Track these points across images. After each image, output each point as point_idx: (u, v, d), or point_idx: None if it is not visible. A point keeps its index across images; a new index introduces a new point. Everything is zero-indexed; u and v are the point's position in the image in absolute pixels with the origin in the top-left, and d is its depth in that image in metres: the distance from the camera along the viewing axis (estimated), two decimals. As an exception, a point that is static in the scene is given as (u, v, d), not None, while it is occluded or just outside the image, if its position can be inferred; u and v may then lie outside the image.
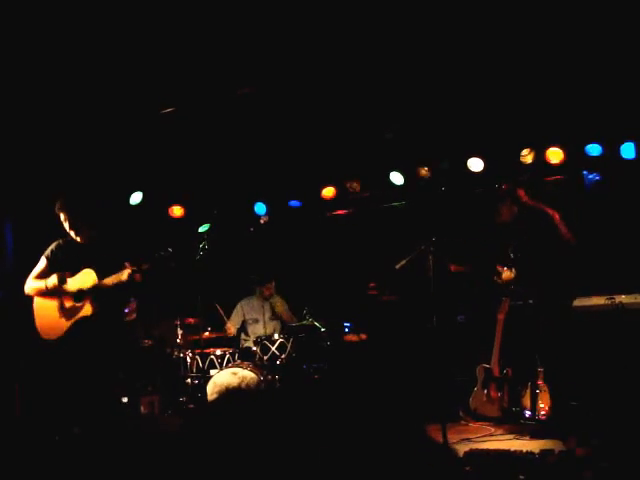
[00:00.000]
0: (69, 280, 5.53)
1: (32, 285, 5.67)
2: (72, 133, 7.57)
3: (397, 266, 5.82)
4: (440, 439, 4.94)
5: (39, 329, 5.61)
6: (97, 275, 5.47)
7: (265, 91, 7.39)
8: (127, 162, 8.18)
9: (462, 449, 5.45)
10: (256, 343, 7.53)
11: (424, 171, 8.11)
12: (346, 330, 8.22)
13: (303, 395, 5.66)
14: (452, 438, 5.65)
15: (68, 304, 5.53)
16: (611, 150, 7.22)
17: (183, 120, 7.77)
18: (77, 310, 5.49)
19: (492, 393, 6.75)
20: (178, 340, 7.59)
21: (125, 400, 6.97)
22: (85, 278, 5.51)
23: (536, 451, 5.34)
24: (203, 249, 7.29)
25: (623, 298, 6.66)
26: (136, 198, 8.66)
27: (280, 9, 6.17)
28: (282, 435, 3.20)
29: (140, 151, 8.11)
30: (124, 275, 5.40)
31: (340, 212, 9.08)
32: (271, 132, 8.03)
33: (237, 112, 7.76)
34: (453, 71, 7.03)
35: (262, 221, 7.47)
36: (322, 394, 5.57)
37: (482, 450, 5.29)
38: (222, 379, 6.95)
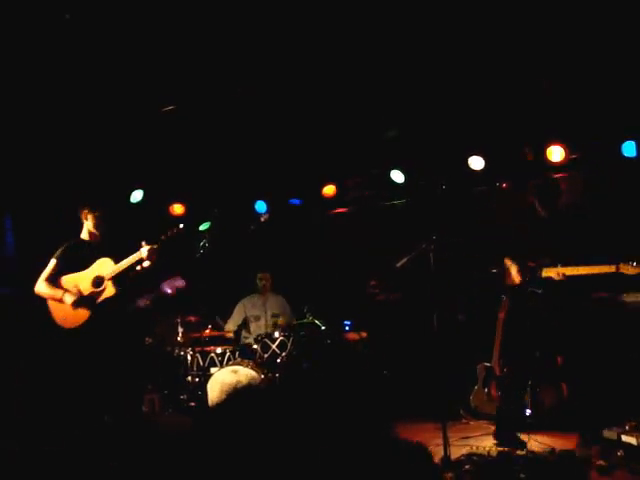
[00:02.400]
0: (82, 281, 5.81)
1: (45, 290, 5.85)
2: (73, 130, 7.57)
3: (398, 264, 5.81)
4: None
5: (58, 320, 5.81)
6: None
7: (266, 89, 7.39)
8: (128, 160, 8.18)
9: (462, 448, 5.45)
10: (257, 341, 7.52)
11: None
12: (346, 328, 8.22)
13: (303, 393, 5.66)
14: (452, 436, 5.65)
15: (87, 292, 5.77)
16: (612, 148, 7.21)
17: (184, 118, 7.76)
18: (99, 294, 5.75)
19: (493, 392, 6.75)
20: (179, 338, 7.59)
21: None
22: (102, 266, 5.81)
23: (537, 450, 5.35)
24: (203, 247, 7.30)
25: (625, 296, 6.65)
26: (137, 196, 8.66)
27: (282, 7, 6.17)
28: (282, 434, 3.20)
29: (141, 149, 8.10)
30: (143, 253, 5.74)
31: (341, 210, 9.08)
32: (272, 130, 8.02)
33: (238, 110, 7.75)
34: (454, 69, 7.03)
35: (262, 219, 7.48)
36: (322, 392, 5.57)
37: (482, 449, 5.30)
38: (223, 378, 6.95)
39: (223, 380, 6.95)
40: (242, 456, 3.40)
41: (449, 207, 8.12)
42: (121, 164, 8.16)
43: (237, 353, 7.49)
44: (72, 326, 5.77)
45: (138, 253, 5.75)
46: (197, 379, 7.31)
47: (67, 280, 5.87)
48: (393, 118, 7.81)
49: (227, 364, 7.24)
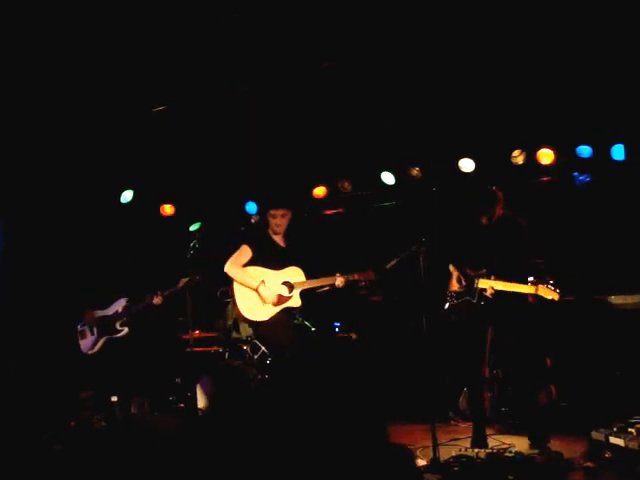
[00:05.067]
0: (270, 278, 6.27)
1: (238, 275, 6.27)
2: (63, 130, 7.55)
3: (387, 266, 5.81)
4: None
5: (242, 310, 6.26)
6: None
7: (258, 91, 7.39)
8: (118, 160, 8.16)
9: (451, 450, 5.46)
10: (246, 342, 7.49)
11: (415, 171, 8.11)
12: (336, 330, 8.20)
13: (292, 395, 5.66)
14: (441, 438, 5.66)
15: (278, 292, 6.24)
16: (601, 152, 7.22)
17: (175, 118, 7.75)
18: (285, 300, 6.23)
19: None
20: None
21: (114, 399, 6.99)
22: (292, 273, 6.29)
23: (525, 451, 5.36)
24: (194, 248, 7.27)
25: (613, 299, 6.69)
26: (127, 196, 8.64)
27: (270, 10, 6.18)
28: (269, 434, 3.20)
29: (131, 149, 8.08)
30: (337, 281, 6.25)
31: (331, 211, 9.06)
32: (263, 131, 8.01)
33: (229, 111, 7.75)
34: (445, 72, 7.04)
35: (253, 220, 7.47)
36: (311, 394, 5.57)
37: (471, 451, 5.31)
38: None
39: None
40: (232, 457, 3.40)
41: (440, 209, 8.11)
42: (111, 164, 8.14)
43: (226, 354, 7.46)
44: (254, 318, 6.26)
45: (332, 279, 6.22)
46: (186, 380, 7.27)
47: (253, 271, 6.23)
48: (385, 120, 7.81)
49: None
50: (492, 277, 5.70)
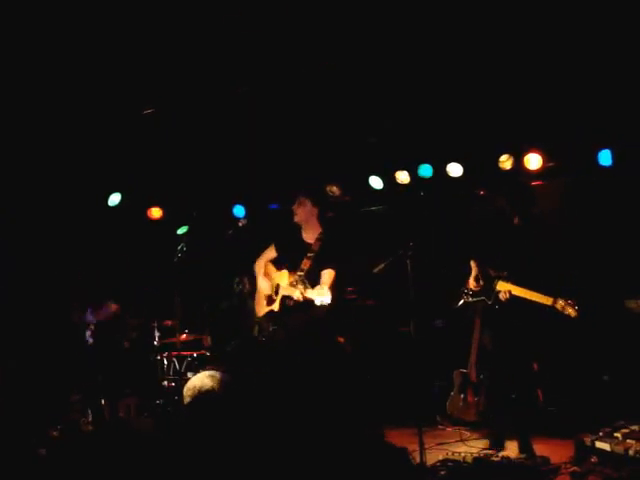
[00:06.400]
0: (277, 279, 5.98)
1: (257, 267, 6.23)
2: (51, 133, 7.53)
3: (375, 270, 5.81)
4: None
5: (256, 300, 6.20)
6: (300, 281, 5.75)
7: (245, 95, 7.39)
8: (106, 163, 8.13)
9: (438, 454, 5.47)
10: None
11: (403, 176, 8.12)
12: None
13: (278, 397, 5.66)
14: (428, 442, 5.66)
15: (269, 293, 6.05)
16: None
17: (163, 121, 7.74)
18: (272, 302, 5.95)
19: (469, 398, 6.76)
20: (155, 342, 7.55)
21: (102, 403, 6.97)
22: (281, 276, 5.92)
23: (512, 455, 5.38)
24: (181, 251, 7.25)
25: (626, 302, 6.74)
26: (115, 199, 8.61)
27: (260, 12, 6.19)
28: (255, 437, 3.20)
29: (119, 152, 8.06)
30: (295, 294, 5.61)
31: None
32: (251, 135, 8.01)
33: (217, 114, 7.74)
34: (433, 77, 7.07)
35: (241, 224, 7.45)
36: (298, 397, 5.57)
37: (457, 455, 5.32)
38: (199, 383, 6.90)
39: (199, 385, 6.90)
40: (227, 457, 3.40)
41: (427, 213, 8.14)
42: (99, 167, 8.11)
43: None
44: (258, 313, 6.13)
45: (292, 290, 5.63)
46: (173, 384, 7.26)
47: (273, 270, 6.10)
48: (373, 124, 7.83)
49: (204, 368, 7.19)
50: (511, 281, 5.55)
